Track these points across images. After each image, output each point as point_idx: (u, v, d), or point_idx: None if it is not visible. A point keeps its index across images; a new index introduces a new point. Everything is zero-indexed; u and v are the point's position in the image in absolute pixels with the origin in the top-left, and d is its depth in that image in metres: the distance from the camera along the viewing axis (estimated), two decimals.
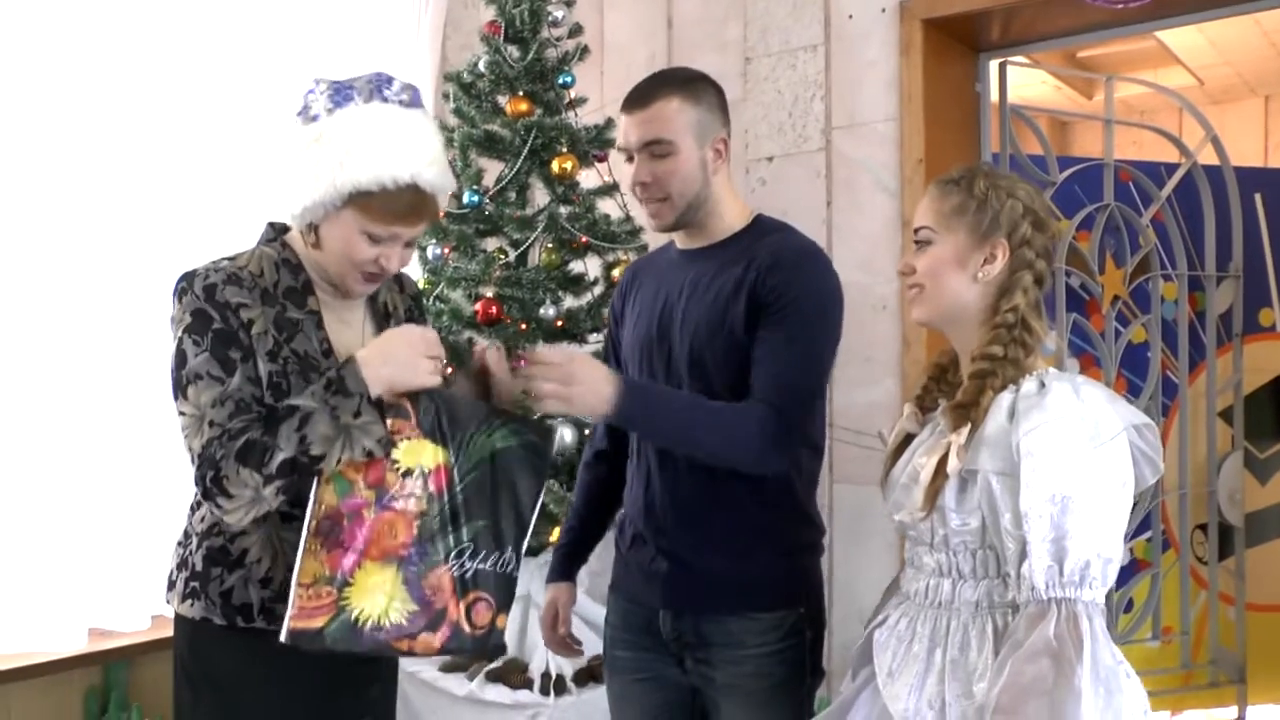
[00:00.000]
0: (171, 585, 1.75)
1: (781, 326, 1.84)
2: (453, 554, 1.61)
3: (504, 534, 1.66)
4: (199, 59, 3.18)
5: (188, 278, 1.64)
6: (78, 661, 2.85)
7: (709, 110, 1.94)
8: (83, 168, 2.94)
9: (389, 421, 1.59)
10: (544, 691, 2.83)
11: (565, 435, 2.76)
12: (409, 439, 1.60)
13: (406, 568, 1.58)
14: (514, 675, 2.89)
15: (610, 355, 2.20)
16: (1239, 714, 4.07)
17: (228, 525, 1.64)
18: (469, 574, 1.62)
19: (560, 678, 2.87)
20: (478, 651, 1.69)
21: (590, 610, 3.02)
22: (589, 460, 2.25)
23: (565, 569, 2.20)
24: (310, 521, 1.55)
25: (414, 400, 1.62)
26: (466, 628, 1.61)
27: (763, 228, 2.00)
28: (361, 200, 1.60)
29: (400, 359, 1.60)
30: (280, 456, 1.53)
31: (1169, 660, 4.03)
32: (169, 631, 2.95)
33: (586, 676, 2.91)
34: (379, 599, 1.56)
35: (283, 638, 1.54)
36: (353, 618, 1.55)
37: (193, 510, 1.75)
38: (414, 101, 1.69)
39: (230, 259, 1.70)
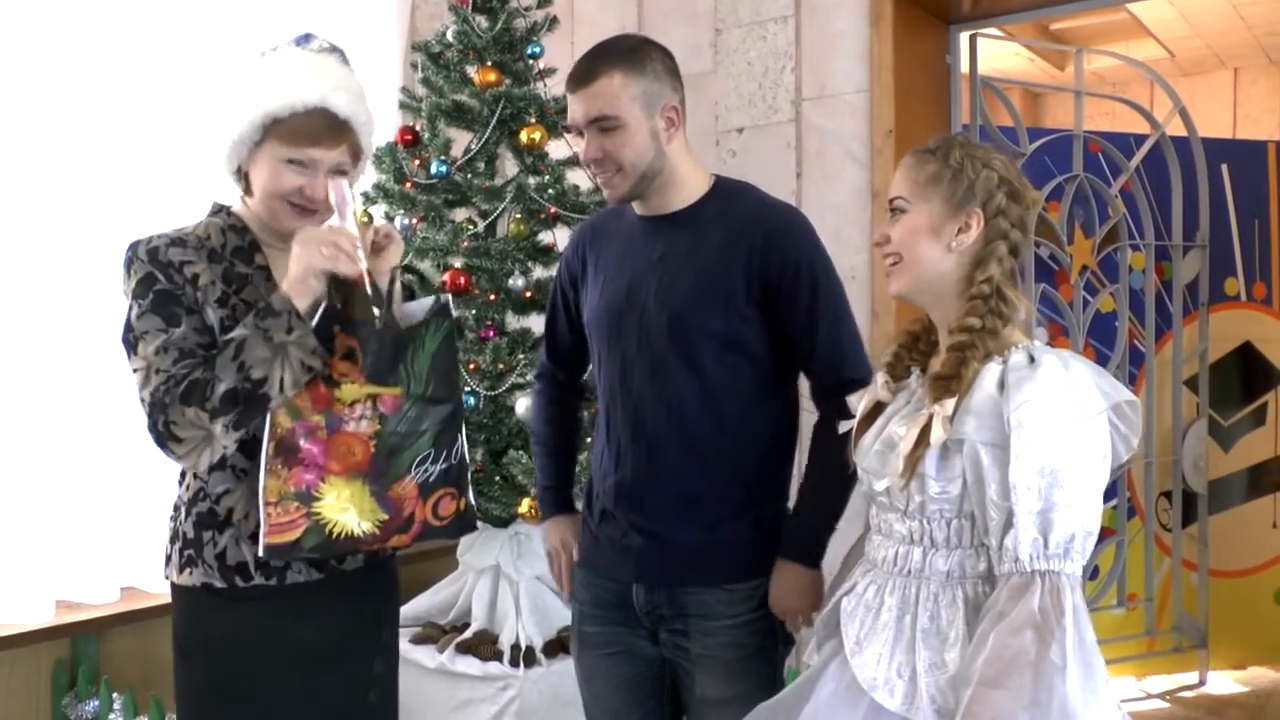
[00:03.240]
0: (168, 560, 1.78)
1: (814, 306, 1.92)
2: (414, 464, 1.70)
3: (453, 425, 1.76)
4: (170, 36, 3.14)
5: (133, 246, 1.72)
6: (45, 634, 2.83)
7: (655, 79, 1.90)
8: (52, 146, 2.91)
9: (337, 364, 1.67)
10: (514, 663, 2.85)
11: (519, 406, 2.77)
12: (354, 383, 1.68)
13: (372, 482, 1.67)
14: (484, 647, 2.90)
15: (560, 314, 2.17)
16: (1200, 678, 4.14)
17: (201, 475, 1.71)
18: (432, 477, 1.72)
19: (530, 649, 2.89)
20: (449, 536, 1.80)
21: None
22: (542, 388, 2.26)
23: (561, 500, 2.21)
24: (268, 444, 1.64)
25: (361, 342, 1.68)
26: (435, 522, 1.74)
27: (727, 191, 1.99)
28: (275, 128, 1.71)
29: (300, 256, 1.65)
30: (221, 388, 1.60)
31: (1133, 626, 4.10)
32: (138, 604, 2.99)
33: (556, 647, 2.93)
34: (351, 514, 1.66)
35: (260, 553, 1.64)
36: (327, 531, 1.65)
37: (180, 482, 1.79)
38: (332, 49, 1.82)
39: (177, 229, 1.77)
